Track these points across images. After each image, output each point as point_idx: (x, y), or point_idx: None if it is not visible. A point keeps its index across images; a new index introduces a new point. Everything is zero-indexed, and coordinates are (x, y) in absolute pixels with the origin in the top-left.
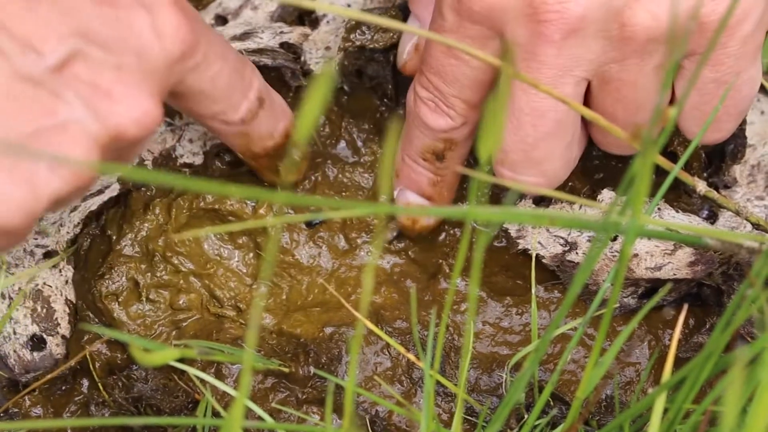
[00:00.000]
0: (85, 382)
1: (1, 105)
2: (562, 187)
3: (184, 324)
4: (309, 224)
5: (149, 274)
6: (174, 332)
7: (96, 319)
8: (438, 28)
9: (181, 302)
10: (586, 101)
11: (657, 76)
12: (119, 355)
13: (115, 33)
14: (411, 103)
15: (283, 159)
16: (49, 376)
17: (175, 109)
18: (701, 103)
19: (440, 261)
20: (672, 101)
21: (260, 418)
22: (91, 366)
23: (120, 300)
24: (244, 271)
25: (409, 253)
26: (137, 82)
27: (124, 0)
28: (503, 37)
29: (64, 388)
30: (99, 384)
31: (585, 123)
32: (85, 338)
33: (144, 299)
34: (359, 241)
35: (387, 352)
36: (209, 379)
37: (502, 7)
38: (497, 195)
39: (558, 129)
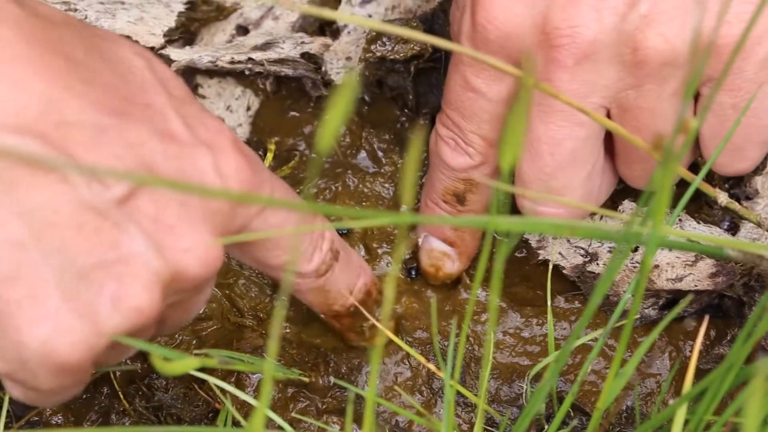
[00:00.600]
0: (106, 390)
1: (66, 235)
2: None
3: (205, 333)
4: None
5: None
6: (194, 341)
7: None
8: (456, 61)
9: (201, 311)
10: (607, 131)
11: (675, 103)
12: (140, 364)
13: (178, 170)
14: (432, 144)
15: (365, 318)
16: None
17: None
18: (722, 129)
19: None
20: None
21: (280, 428)
22: (111, 375)
23: None
24: (265, 280)
25: None
26: (200, 220)
27: (187, 138)
28: (519, 66)
29: (84, 396)
30: (120, 393)
31: (611, 158)
32: None
33: None
34: (380, 251)
35: (407, 362)
36: (229, 388)
37: (518, 34)
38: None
39: (576, 158)
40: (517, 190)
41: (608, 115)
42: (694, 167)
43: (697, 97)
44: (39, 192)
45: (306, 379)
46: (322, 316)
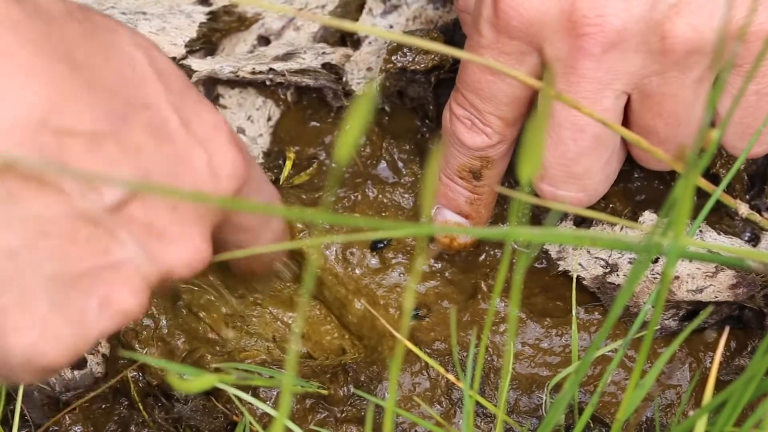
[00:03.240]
0: (125, 401)
1: (59, 244)
2: (603, 209)
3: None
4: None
5: (185, 295)
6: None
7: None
8: (475, 44)
9: None
10: (627, 115)
11: (698, 90)
12: (159, 373)
13: (173, 172)
14: (447, 122)
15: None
16: (91, 394)
17: None
18: (743, 116)
19: (479, 281)
20: (716, 116)
21: None
22: (131, 387)
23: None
24: (281, 290)
25: (446, 274)
26: (191, 222)
27: (184, 137)
28: (541, 52)
29: (104, 406)
30: (139, 404)
31: (623, 140)
32: (125, 360)
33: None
34: (393, 261)
35: (426, 373)
36: (248, 398)
37: (541, 21)
38: (537, 216)
39: (598, 143)
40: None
41: (629, 100)
42: (715, 178)
43: (714, 81)
44: (34, 202)
45: (325, 392)
46: (234, 267)
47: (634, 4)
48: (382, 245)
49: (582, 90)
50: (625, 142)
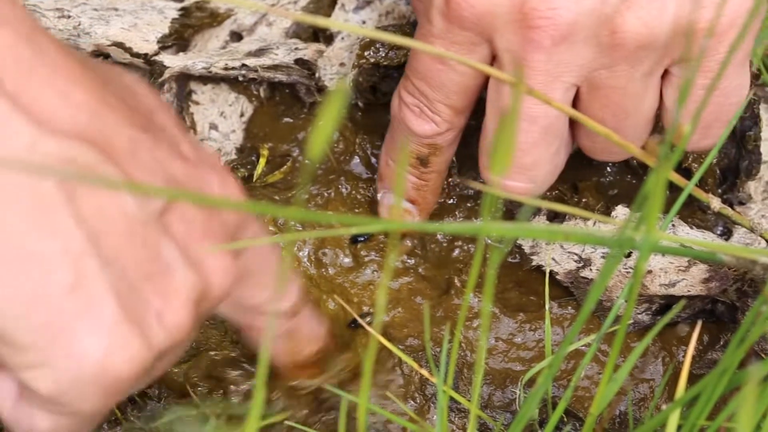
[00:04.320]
0: None
1: (120, 245)
2: (576, 203)
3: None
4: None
5: None
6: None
7: None
8: (426, 33)
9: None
10: (575, 106)
11: (646, 83)
12: None
13: (196, 187)
14: (396, 108)
15: (325, 364)
16: None
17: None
18: (692, 108)
19: (452, 277)
20: (660, 107)
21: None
22: None
23: None
24: None
25: (419, 270)
26: (222, 237)
27: (197, 160)
28: (492, 43)
29: None
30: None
31: (571, 129)
32: None
33: None
34: (366, 259)
35: (399, 370)
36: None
37: (492, 13)
38: (511, 211)
39: (548, 135)
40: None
41: (578, 91)
42: (687, 172)
43: (664, 75)
44: (95, 200)
45: (285, 415)
46: (283, 368)
47: None
48: (362, 239)
49: (532, 82)
50: (572, 134)
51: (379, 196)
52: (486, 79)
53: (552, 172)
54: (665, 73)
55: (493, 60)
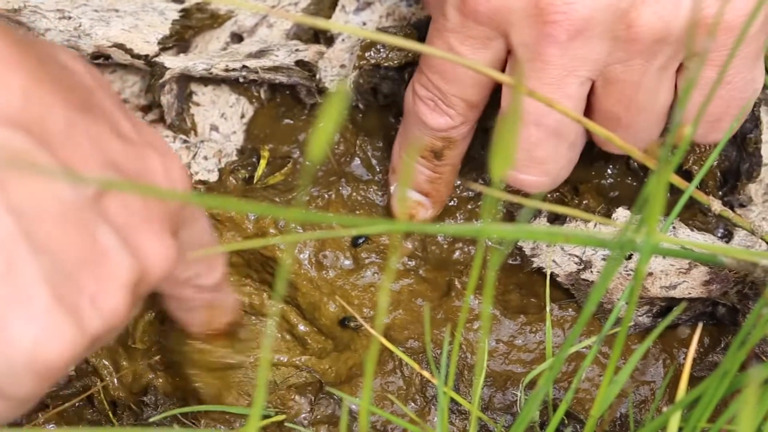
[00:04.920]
0: (96, 405)
1: (53, 231)
2: (576, 206)
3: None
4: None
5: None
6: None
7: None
8: (440, 27)
9: None
10: (590, 100)
11: (660, 78)
12: (130, 380)
13: (138, 170)
14: (410, 102)
15: (237, 337)
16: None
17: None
18: (701, 103)
19: (453, 279)
20: (674, 102)
21: None
22: (100, 390)
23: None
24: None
25: (420, 272)
26: (161, 221)
27: (138, 139)
28: (507, 38)
29: (76, 406)
30: (108, 412)
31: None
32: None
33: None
34: (367, 261)
35: (399, 372)
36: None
37: (508, 8)
38: (511, 212)
39: (560, 128)
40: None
41: (593, 85)
42: (688, 174)
43: (679, 70)
44: (27, 187)
45: (282, 417)
46: (196, 335)
47: None
48: (362, 240)
49: (547, 76)
50: (586, 129)
51: (392, 188)
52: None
53: (566, 166)
54: (680, 68)
55: (509, 54)
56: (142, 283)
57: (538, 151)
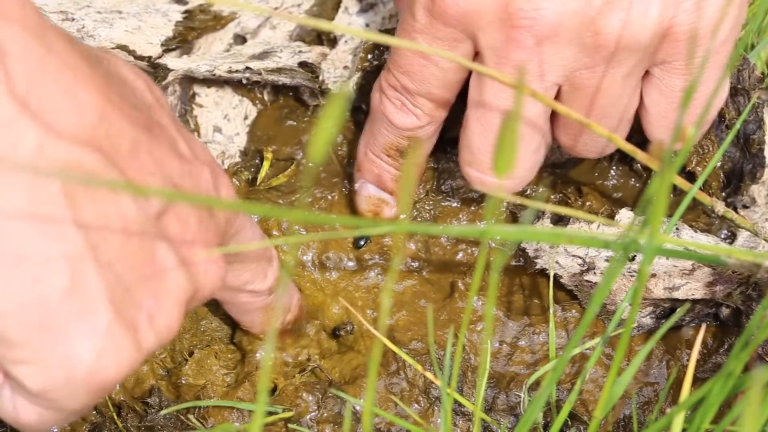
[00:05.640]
0: (99, 406)
1: (116, 248)
2: (580, 207)
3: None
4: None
5: None
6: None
7: None
8: (408, 27)
9: (202, 324)
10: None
11: (625, 84)
12: (134, 381)
13: (191, 186)
14: (376, 101)
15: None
16: None
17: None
18: (669, 110)
19: (456, 280)
20: (639, 108)
21: None
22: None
23: None
24: None
25: (423, 273)
26: (212, 239)
27: (192, 157)
28: (475, 40)
29: None
30: (113, 414)
31: (552, 129)
32: None
33: None
34: (371, 262)
35: (403, 373)
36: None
37: (477, 11)
38: (514, 214)
39: (528, 132)
40: (465, 160)
41: (558, 91)
42: (691, 176)
43: (644, 76)
44: (94, 204)
45: (289, 414)
46: (261, 334)
47: None
48: (364, 242)
49: (513, 77)
50: (552, 131)
51: (356, 186)
52: (467, 75)
53: (531, 169)
54: (646, 74)
55: (475, 57)
56: (194, 299)
57: None
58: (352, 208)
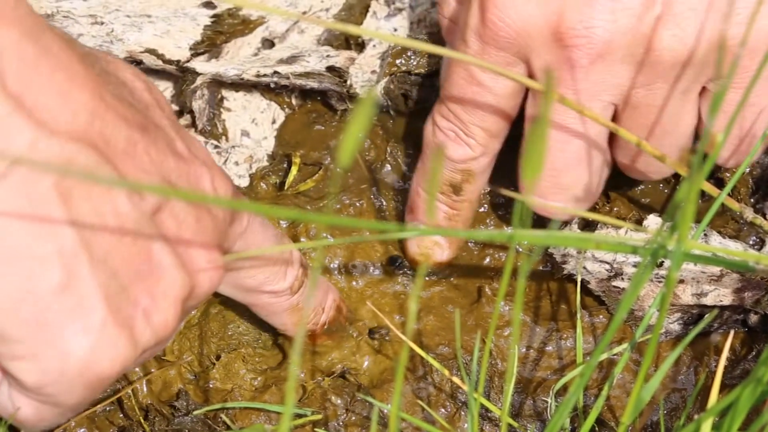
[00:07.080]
0: (127, 408)
1: (111, 245)
2: (607, 212)
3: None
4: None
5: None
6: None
7: None
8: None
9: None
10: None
11: (683, 101)
12: (161, 385)
13: (188, 185)
14: (429, 134)
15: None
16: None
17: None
18: (723, 125)
19: (483, 285)
20: (698, 125)
21: None
22: (131, 394)
23: None
24: None
25: (450, 278)
26: (211, 237)
27: (190, 157)
28: (528, 63)
29: (109, 409)
30: (139, 417)
31: (610, 149)
32: None
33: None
34: (398, 271)
35: (429, 378)
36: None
37: (529, 33)
38: (541, 219)
39: (585, 154)
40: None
41: (615, 111)
42: (719, 182)
43: (702, 92)
44: (88, 201)
45: (318, 416)
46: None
47: (621, 16)
48: (399, 262)
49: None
50: (612, 153)
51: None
52: (521, 102)
53: (594, 190)
54: (703, 90)
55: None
56: (191, 297)
57: (563, 177)
58: (381, 218)
